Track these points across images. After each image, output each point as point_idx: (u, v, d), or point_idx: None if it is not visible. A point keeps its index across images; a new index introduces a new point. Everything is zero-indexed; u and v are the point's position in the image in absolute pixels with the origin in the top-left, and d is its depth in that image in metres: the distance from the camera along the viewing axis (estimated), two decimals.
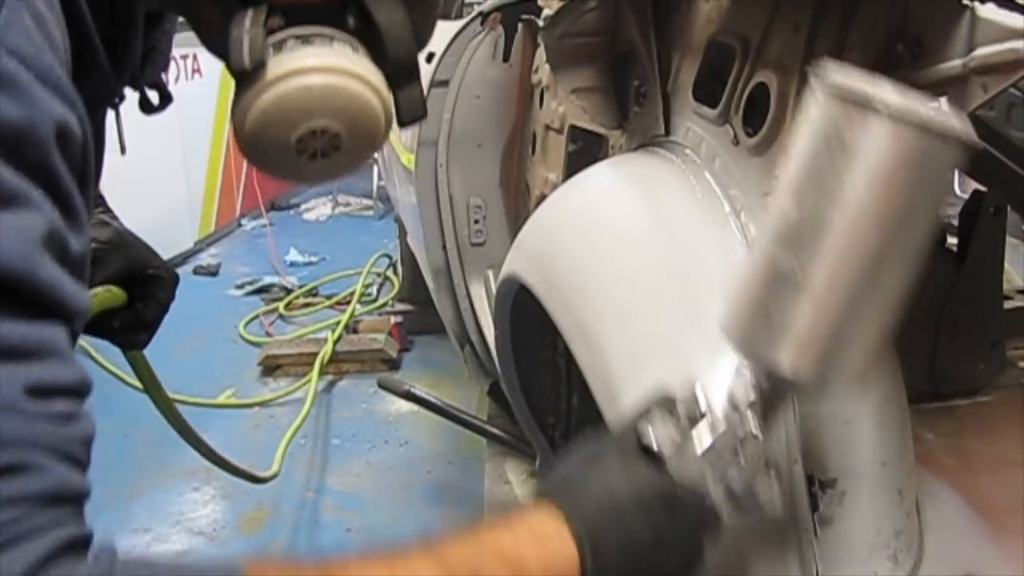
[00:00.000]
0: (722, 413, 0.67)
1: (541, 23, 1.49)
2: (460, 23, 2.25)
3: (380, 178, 4.98)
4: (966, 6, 0.70)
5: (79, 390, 0.47)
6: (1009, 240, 1.60)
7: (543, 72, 1.93)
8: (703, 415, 0.67)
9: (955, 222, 1.54)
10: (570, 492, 0.63)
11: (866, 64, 0.83)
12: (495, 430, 2.31)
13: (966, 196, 1.62)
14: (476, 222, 2.23)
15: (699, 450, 0.66)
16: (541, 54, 1.93)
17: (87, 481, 0.46)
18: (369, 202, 5.86)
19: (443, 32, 2.40)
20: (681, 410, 0.67)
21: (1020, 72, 0.66)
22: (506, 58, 2.11)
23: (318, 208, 6.00)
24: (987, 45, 0.68)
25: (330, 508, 2.50)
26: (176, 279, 1.01)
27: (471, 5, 2.93)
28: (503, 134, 2.18)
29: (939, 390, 1.45)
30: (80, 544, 0.43)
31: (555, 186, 1.82)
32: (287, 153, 0.65)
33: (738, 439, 0.66)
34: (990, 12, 0.68)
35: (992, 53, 0.67)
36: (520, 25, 2.09)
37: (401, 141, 2.63)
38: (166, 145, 4.63)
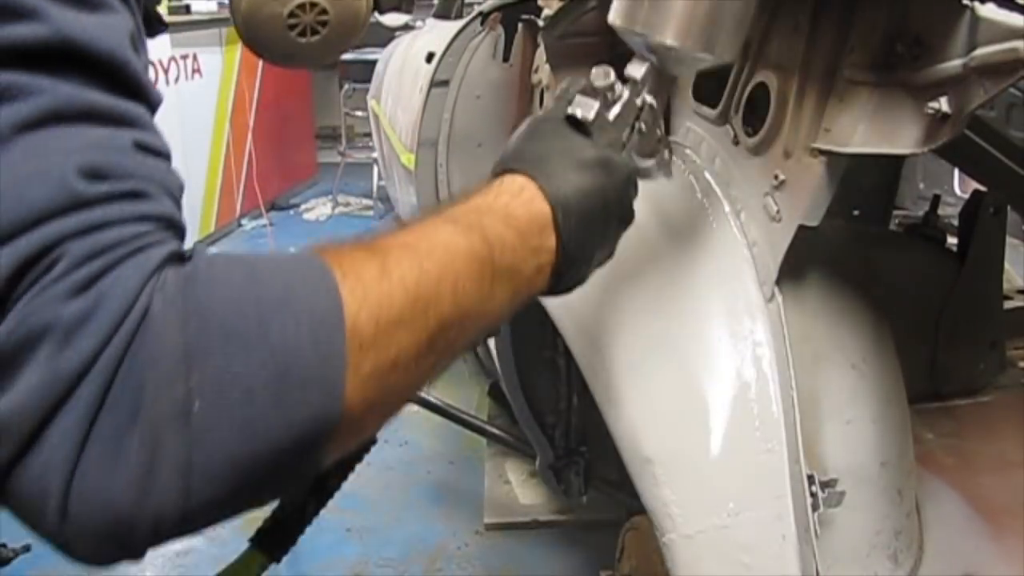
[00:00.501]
0: (626, 90, 0.80)
1: (541, 23, 1.48)
2: (460, 23, 2.25)
3: (380, 178, 4.98)
4: (966, 6, 0.70)
5: (169, 157, 0.54)
6: (1009, 240, 1.59)
7: (543, 72, 1.93)
8: (614, 95, 0.79)
9: (955, 222, 1.54)
10: (524, 159, 0.74)
11: (866, 64, 0.83)
12: (495, 430, 2.31)
13: (966, 196, 1.62)
14: None
15: (611, 118, 0.79)
16: (541, 54, 1.93)
17: (184, 221, 0.53)
18: (369, 202, 5.85)
19: (443, 32, 2.40)
20: (597, 88, 0.79)
21: (1020, 72, 0.66)
22: (506, 58, 2.11)
23: (318, 208, 6.00)
24: (987, 45, 0.68)
25: (330, 508, 2.48)
26: None
27: (471, 5, 2.93)
28: (503, 134, 2.17)
29: (939, 390, 1.45)
30: (184, 257, 0.50)
31: None
32: (280, 28, 0.78)
33: (637, 108, 0.81)
34: (990, 12, 0.68)
35: (992, 53, 0.67)
36: (520, 25, 2.09)
37: (401, 141, 2.62)
38: None
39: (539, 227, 0.69)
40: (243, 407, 0.46)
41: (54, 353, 0.43)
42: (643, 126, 0.82)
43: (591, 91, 0.79)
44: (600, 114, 0.78)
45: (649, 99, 0.82)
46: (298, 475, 0.51)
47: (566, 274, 0.73)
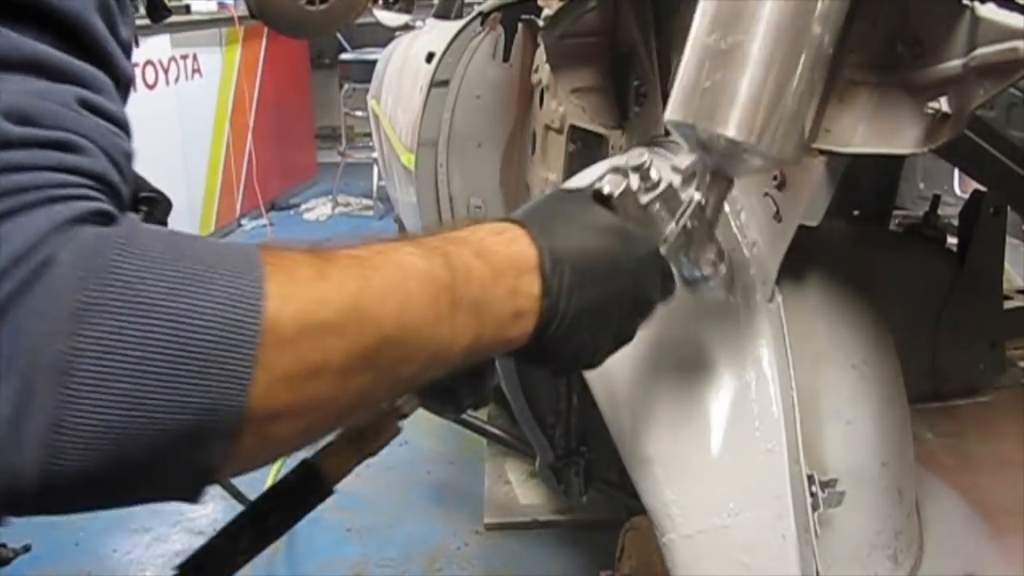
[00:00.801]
0: (667, 177, 0.75)
1: (541, 23, 1.48)
2: (460, 23, 2.25)
3: (380, 178, 4.98)
4: (966, 6, 0.70)
5: (125, 127, 0.52)
6: (1009, 240, 1.60)
7: (543, 72, 1.93)
8: (654, 183, 0.74)
9: (955, 222, 1.54)
10: (529, 215, 0.70)
11: (866, 64, 0.83)
12: (495, 430, 2.31)
13: (966, 196, 1.62)
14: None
15: (643, 201, 0.74)
16: (541, 54, 1.93)
17: (126, 190, 0.51)
18: (369, 202, 5.86)
19: (443, 32, 2.40)
20: (632, 174, 0.75)
21: (1020, 72, 0.66)
22: (506, 58, 2.11)
23: (318, 208, 6.00)
24: (987, 45, 0.68)
25: (330, 508, 2.48)
26: (170, 204, 1.03)
27: (471, 5, 2.93)
28: (503, 134, 2.17)
29: (939, 390, 1.45)
30: (111, 218, 0.47)
31: (555, 186, 1.82)
32: None
33: (682, 202, 0.74)
34: (990, 12, 0.68)
35: (992, 53, 0.67)
36: (520, 25, 2.09)
37: (401, 141, 2.63)
38: (166, 145, 4.64)
39: (518, 268, 0.64)
40: (131, 377, 0.43)
41: None
42: (689, 224, 0.74)
43: (625, 171, 0.75)
44: (628, 193, 0.73)
45: (697, 196, 0.75)
46: (187, 470, 0.47)
47: (555, 333, 0.65)
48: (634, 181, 0.74)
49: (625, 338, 0.74)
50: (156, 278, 0.45)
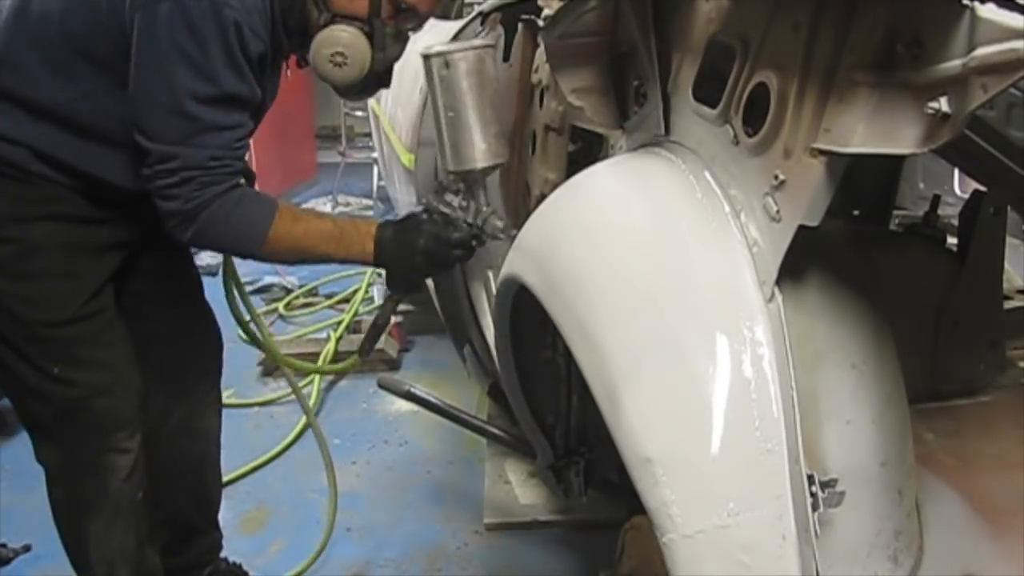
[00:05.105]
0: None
1: (541, 23, 1.49)
2: (460, 23, 2.24)
3: (380, 178, 4.98)
4: (966, 6, 0.70)
5: (248, 137, 1.54)
6: (1009, 240, 1.60)
7: (543, 72, 1.93)
8: (447, 204, 1.64)
9: (955, 222, 1.54)
10: (389, 222, 1.63)
11: (866, 64, 0.83)
12: (495, 430, 2.31)
13: (966, 196, 1.63)
14: None
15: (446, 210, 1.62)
16: (541, 54, 1.93)
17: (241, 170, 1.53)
18: (369, 202, 5.86)
19: (443, 32, 2.40)
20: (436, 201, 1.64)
21: (1020, 72, 0.66)
22: (506, 58, 2.11)
23: (318, 208, 6.00)
24: (987, 45, 0.68)
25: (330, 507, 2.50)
26: (254, 174, 1.72)
27: (471, 5, 2.93)
28: (503, 134, 2.17)
29: (939, 390, 1.46)
30: (237, 185, 1.51)
31: (555, 186, 1.82)
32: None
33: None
34: (990, 12, 0.68)
35: (992, 53, 0.67)
36: (520, 25, 2.09)
37: (401, 141, 2.63)
38: None
39: (366, 241, 1.58)
40: (226, 235, 1.51)
41: (182, 204, 1.45)
42: (441, 216, 1.61)
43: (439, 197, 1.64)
44: (433, 210, 1.62)
45: (455, 203, 1.64)
46: (250, 252, 1.55)
47: (384, 265, 1.61)
48: (435, 200, 1.62)
49: (427, 274, 1.68)
50: (242, 212, 1.50)
